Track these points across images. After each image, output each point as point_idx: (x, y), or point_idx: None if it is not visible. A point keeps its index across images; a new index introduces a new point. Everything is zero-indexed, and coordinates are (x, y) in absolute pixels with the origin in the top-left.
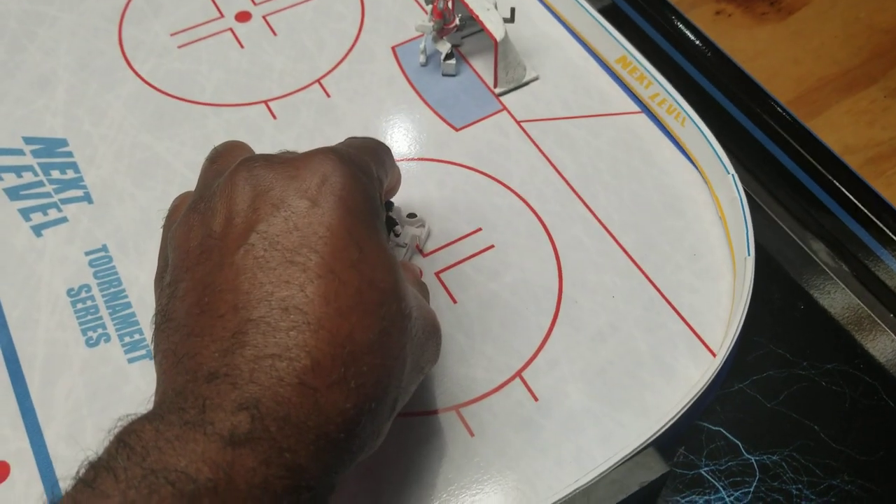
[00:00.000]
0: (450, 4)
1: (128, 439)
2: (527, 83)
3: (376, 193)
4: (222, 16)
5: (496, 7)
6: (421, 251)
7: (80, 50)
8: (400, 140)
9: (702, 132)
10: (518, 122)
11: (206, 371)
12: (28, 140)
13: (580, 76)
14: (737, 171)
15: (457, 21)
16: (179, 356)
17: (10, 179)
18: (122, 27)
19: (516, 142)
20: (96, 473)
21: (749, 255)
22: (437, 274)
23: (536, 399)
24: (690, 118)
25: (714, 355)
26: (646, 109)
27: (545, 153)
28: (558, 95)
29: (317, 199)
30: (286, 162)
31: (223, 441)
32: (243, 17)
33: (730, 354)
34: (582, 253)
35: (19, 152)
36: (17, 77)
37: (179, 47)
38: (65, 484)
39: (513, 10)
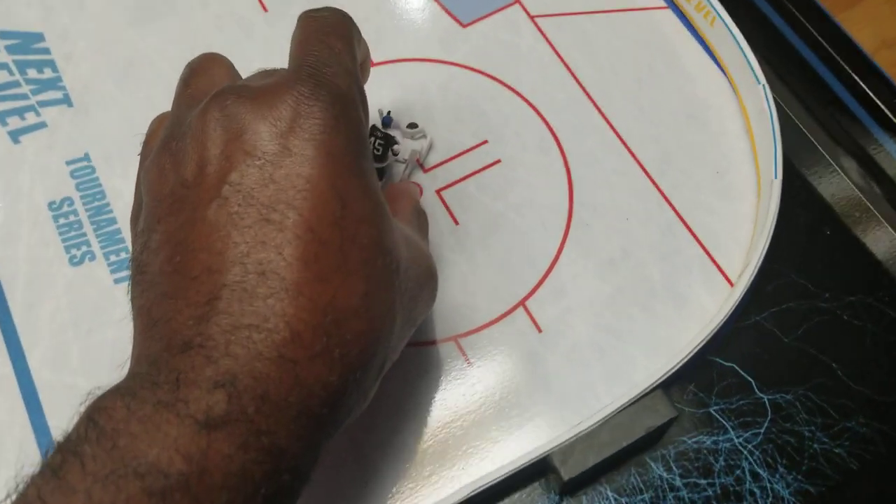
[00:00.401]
0: None
1: (97, 418)
2: None
3: (362, 119)
4: None
5: None
6: (422, 166)
7: None
8: (399, 37)
9: (731, 34)
10: (532, 17)
11: (181, 340)
12: (2, 34)
13: None
14: (768, 80)
15: None
16: (154, 319)
17: None
18: None
19: (529, 40)
20: (63, 459)
21: (776, 177)
22: (438, 192)
23: (540, 330)
24: (720, 17)
25: (732, 285)
26: (672, 4)
27: (560, 54)
28: None
29: (292, 143)
30: (259, 95)
31: (198, 425)
32: None
33: (749, 285)
34: (595, 169)
35: None
36: None
37: None
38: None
39: None
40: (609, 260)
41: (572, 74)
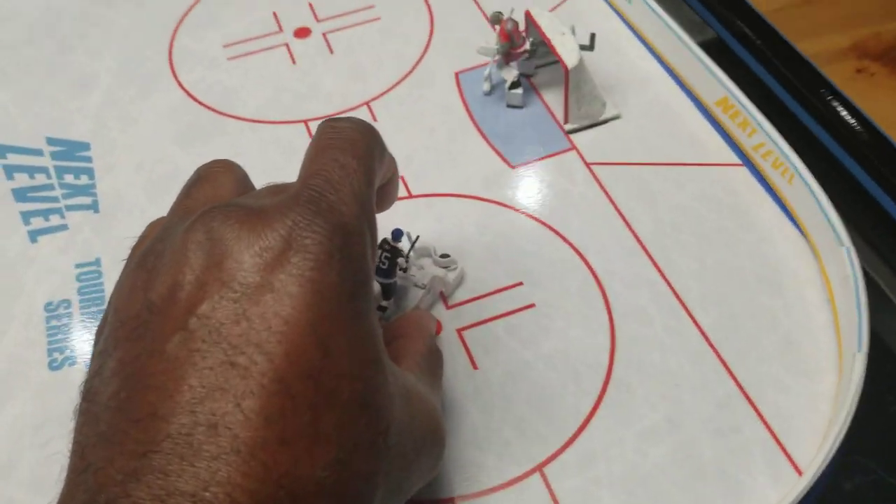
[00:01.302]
0: (520, 27)
1: None
2: (605, 121)
3: (365, 254)
4: (281, 30)
5: (574, 32)
6: (445, 300)
7: (126, 54)
8: (444, 173)
9: (812, 193)
10: (587, 164)
11: (104, 499)
12: (51, 141)
13: (670, 118)
14: (853, 242)
15: (527, 45)
16: (86, 463)
17: (22, 180)
18: (175, 35)
19: (582, 186)
20: None
21: (860, 350)
22: (459, 331)
23: (557, 503)
24: (800, 175)
25: (800, 474)
26: (747, 161)
27: (615, 202)
28: (641, 137)
29: (276, 277)
30: (250, 219)
31: None
32: (302, 32)
33: (821, 476)
34: (645, 327)
35: (38, 153)
36: (57, 77)
37: (229, 59)
38: None
39: (592, 37)
40: (651, 430)
41: (627, 224)
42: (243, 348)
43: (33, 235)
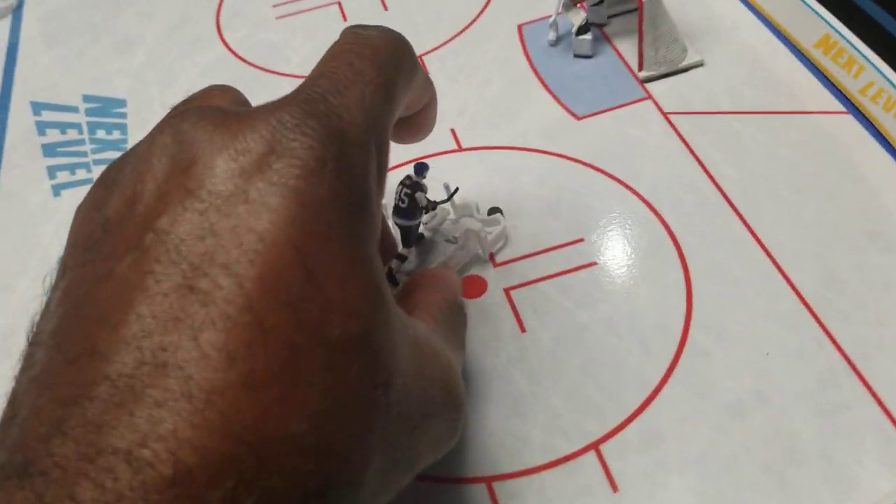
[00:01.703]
0: None
1: None
2: (685, 69)
3: (367, 170)
4: None
5: None
6: (493, 259)
7: (174, 16)
8: (499, 125)
9: None
10: (665, 114)
11: (21, 458)
12: (87, 98)
13: (762, 64)
14: None
15: None
16: (14, 411)
17: (53, 136)
18: None
19: (658, 136)
20: None
21: None
22: (506, 290)
23: (616, 488)
24: None
25: None
26: (853, 108)
27: (696, 153)
28: (728, 86)
29: (254, 186)
30: (228, 119)
31: None
32: None
33: None
34: (729, 286)
35: (74, 109)
36: (102, 40)
37: (277, 18)
38: None
39: None
40: (735, 404)
41: (709, 176)
42: (206, 269)
43: (56, 189)
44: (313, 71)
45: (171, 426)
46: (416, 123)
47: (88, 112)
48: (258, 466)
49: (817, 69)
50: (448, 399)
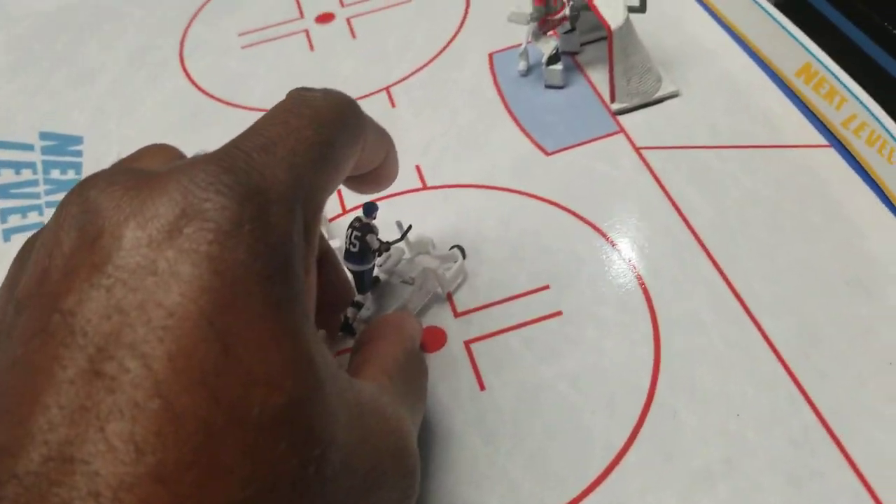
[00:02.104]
0: None
1: None
2: (660, 100)
3: (289, 232)
4: (302, 16)
5: None
6: (453, 307)
7: (138, 45)
8: (465, 161)
9: None
10: (637, 149)
11: None
12: (44, 135)
13: (739, 94)
14: None
15: (566, 10)
16: None
17: (7, 176)
18: (191, 23)
19: (629, 173)
20: None
21: None
22: (466, 343)
23: None
24: None
25: None
26: (835, 141)
27: (668, 191)
28: (705, 118)
29: (163, 255)
30: (138, 183)
31: None
32: (325, 18)
33: None
34: (699, 337)
35: (30, 147)
36: (63, 70)
37: (243, 48)
38: None
39: None
40: (702, 472)
41: (681, 216)
42: (112, 351)
43: (7, 234)
44: (246, 129)
45: None
46: (377, 177)
47: (44, 150)
48: None
49: (799, 99)
50: (398, 467)
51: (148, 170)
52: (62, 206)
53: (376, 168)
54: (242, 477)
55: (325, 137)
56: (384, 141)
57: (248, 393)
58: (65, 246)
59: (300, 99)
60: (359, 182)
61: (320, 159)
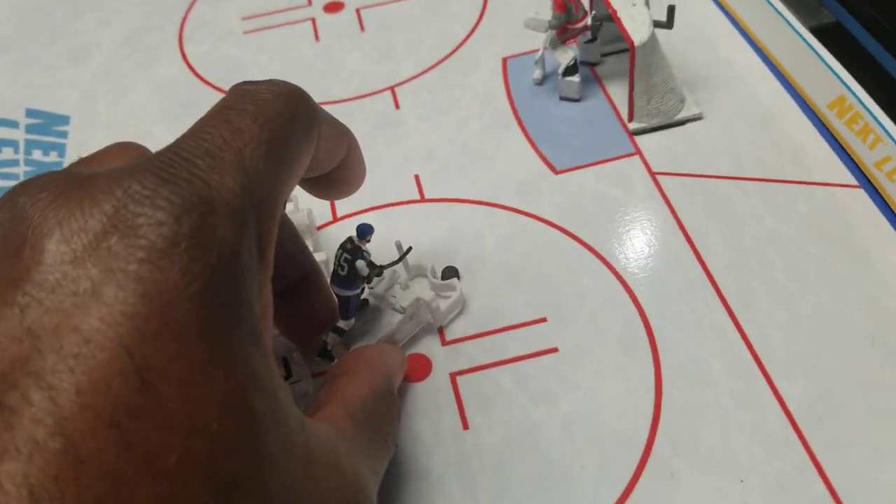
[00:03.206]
0: None
1: None
2: (681, 122)
3: (238, 245)
4: (310, 4)
5: (648, 4)
6: (442, 334)
7: (135, 23)
8: (469, 174)
9: None
10: (652, 173)
11: None
12: (30, 112)
13: (768, 121)
14: None
15: (587, 20)
16: None
17: None
18: (194, 3)
19: (642, 200)
20: None
21: None
22: (452, 375)
23: None
24: None
25: None
26: (866, 182)
27: (682, 223)
28: (728, 145)
29: (87, 273)
30: (69, 190)
31: None
32: (334, 7)
33: None
34: (706, 390)
35: (14, 125)
36: (58, 44)
37: (245, 33)
38: None
39: (671, 10)
40: None
41: (695, 252)
42: (16, 380)
43: None
44: (186, 131)
45: None
46: (339, 179)
47: (28, 128)
48: None
49: (830, 134)
50: None
51: (87, 174)
52: None
53: (337, 169)
54: None
55: (274, 134)
56: (343, 136)
57: (165, 439)
58: None
59: (243, 93)
60: (321, 185)
61: (271, 159)
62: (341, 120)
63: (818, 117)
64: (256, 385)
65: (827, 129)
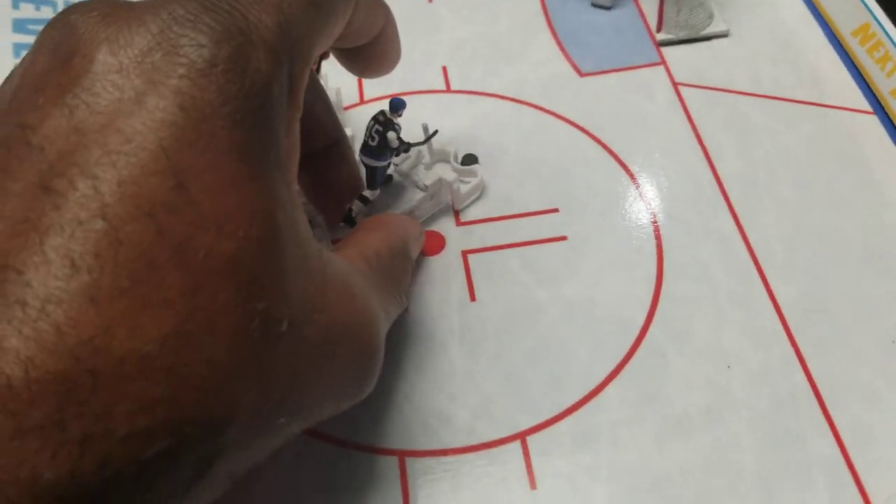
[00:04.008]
0: None
1: None
2: (707, 37)
3: (270, 76)
4: None
5: None
6: (457, 215)
7: None
8: (496, 69)
9: None
10: (674, 84)
11: None
12: None
13: (791, 44)
14: None
15: None
16: None
17: (27, 11)
18: None
19: (663, 108)
20: None
21: None
22: (464, 252)
23: (533, 485)
24: None
25: None
26: (880, 109)
27: (699, 132)
28: (749, 63)
29: (131, 83)
30: (118, 11)
31: None
32: None
33: None
34: (702, 286)
35: None
36: None
37: None
38: None
39: None
40: (682, 418)
41: (709, 161)
42: (64, 169)
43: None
44: None
45: (18, 344)
46: (374, 54)
47: None
48: (93, 387)
49: (850, 60)
50: (358, 344)
51: (132, 0)
52: (45, 28)
53: (372, 43)
54: (178, 313)
55: None
56: (381, 7)
57: (195, 234)
58: (39, 64)
59: None
60: (356, 58)
61: (310, 8)
62: None
63: (840, 43)
64: (280, 206)
65: (847, 55)
